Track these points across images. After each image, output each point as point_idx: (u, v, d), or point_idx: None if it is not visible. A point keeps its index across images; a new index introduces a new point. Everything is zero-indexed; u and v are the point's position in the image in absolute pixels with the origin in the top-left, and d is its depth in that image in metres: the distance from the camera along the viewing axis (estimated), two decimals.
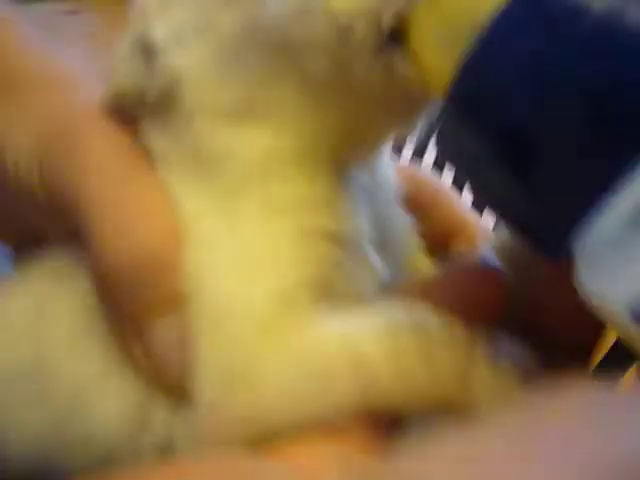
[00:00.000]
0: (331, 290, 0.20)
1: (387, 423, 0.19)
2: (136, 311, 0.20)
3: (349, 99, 0.20)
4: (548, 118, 0.16)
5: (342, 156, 0.22)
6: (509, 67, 0.16)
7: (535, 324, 0.21)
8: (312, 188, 0.21)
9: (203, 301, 0.20)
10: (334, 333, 0.19)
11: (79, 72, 0.24)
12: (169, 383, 0.20)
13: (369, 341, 0.19)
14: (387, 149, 0.25)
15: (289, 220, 0.20)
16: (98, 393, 0.21)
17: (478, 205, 0.30)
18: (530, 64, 0.16)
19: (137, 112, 0.22)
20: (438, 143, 0.18)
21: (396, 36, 0.18)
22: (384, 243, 0.23)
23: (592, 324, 0.17)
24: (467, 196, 0.32)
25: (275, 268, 0.20)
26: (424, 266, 0.27)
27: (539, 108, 0.16)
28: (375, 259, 0.22)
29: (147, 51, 0.21)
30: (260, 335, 0.19)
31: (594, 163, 0.15)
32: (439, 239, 0.27)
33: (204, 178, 0.21)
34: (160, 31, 0.21)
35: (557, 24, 0.15)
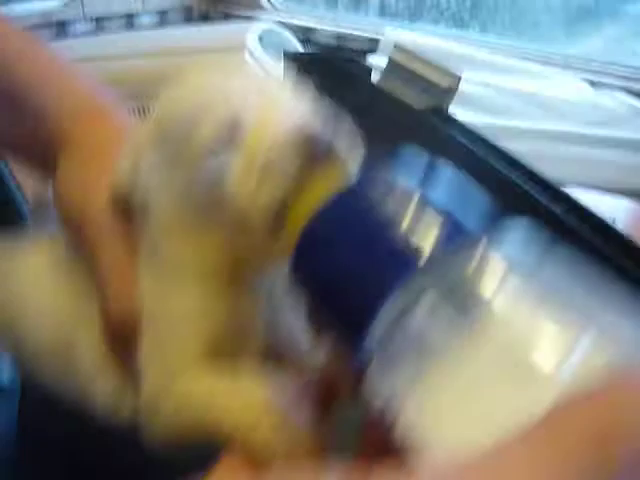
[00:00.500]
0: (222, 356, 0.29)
1: None
2: (123, 350, 0.31)
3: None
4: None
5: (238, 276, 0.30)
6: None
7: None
8: (207, 299, 0.30)
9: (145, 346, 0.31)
10: (212, 385, 0.29)
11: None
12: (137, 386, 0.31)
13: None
14: None
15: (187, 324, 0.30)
16: (98, 378, 0.33)
17: None
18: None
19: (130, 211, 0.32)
20: None
21: (280, 217, 0.26)
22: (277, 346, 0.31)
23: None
24: None
25: (176, 340, 0.30)
26: None
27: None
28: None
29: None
30: (165, 381, 0.30)
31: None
32: None
33: (151, 266, 0.31)
34: (144, 163, 0.30)
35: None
